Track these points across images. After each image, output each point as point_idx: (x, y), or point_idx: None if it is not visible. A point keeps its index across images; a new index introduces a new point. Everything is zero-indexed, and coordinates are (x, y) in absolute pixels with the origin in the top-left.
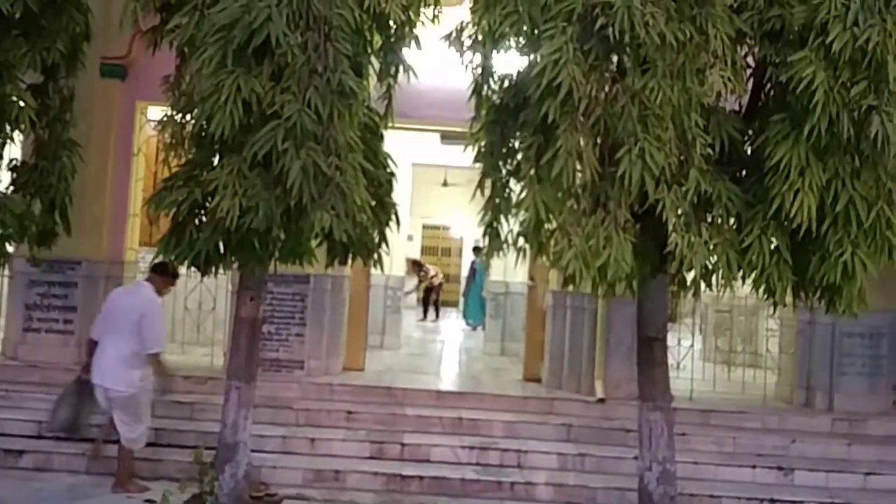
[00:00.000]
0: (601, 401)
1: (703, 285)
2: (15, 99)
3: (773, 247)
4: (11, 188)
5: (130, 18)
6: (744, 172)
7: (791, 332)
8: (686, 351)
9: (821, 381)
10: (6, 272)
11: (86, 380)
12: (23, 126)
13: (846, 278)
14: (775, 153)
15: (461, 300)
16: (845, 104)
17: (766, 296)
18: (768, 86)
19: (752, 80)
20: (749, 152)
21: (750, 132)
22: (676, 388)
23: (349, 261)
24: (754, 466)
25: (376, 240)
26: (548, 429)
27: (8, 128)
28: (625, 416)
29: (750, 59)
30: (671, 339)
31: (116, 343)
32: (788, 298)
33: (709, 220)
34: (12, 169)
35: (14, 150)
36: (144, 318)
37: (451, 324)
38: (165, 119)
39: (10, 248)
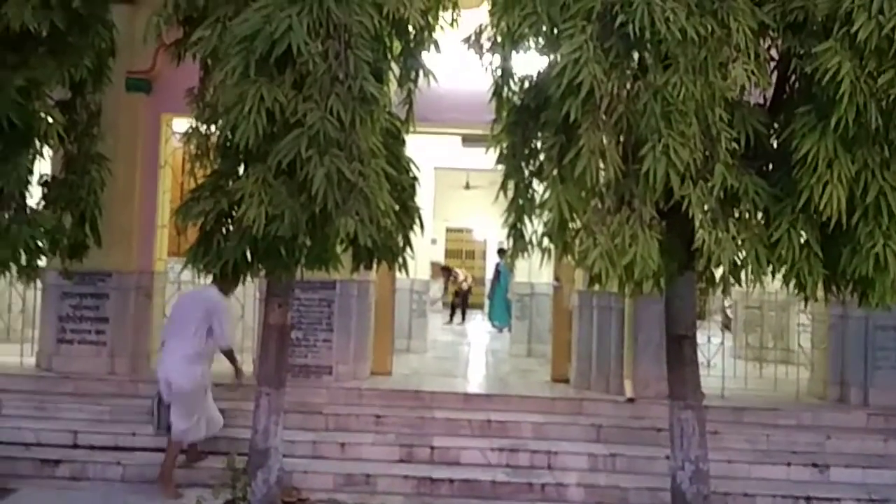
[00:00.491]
0: (631, 400)
1: (732, 281)
2: (43, 115)
3: (802, 241)
4: (42, 203)
5: (154, 32)
6: (770, 166)
7: (823, 326)
8: (716, 348)
9: (855, 375)
10: (39, 285)
11: None
12: (52, 141)
13: (878, 270)
14: (802, 146)
15: (486, 302)
16: (872, 94)
17: (796, 290)
18: (793, 78)
19: (776, 72)
20: (775, 145)
21: (775, 125)
22: (707, 385)
23: (374, 266)
24: (789, 464)
25: (401, 244)
26: (577, 429)
27: (37, 143)
28: (655, 415)
29: (773, 52)
30: (700, 337)
31: (182, 341)
32: (820, 293)
33: (736, 215)
34: (43, 184)
35: (44, 166)
36: (213, 315)
37: (477, 326)
38: (190, 130)
39: (41, 262)
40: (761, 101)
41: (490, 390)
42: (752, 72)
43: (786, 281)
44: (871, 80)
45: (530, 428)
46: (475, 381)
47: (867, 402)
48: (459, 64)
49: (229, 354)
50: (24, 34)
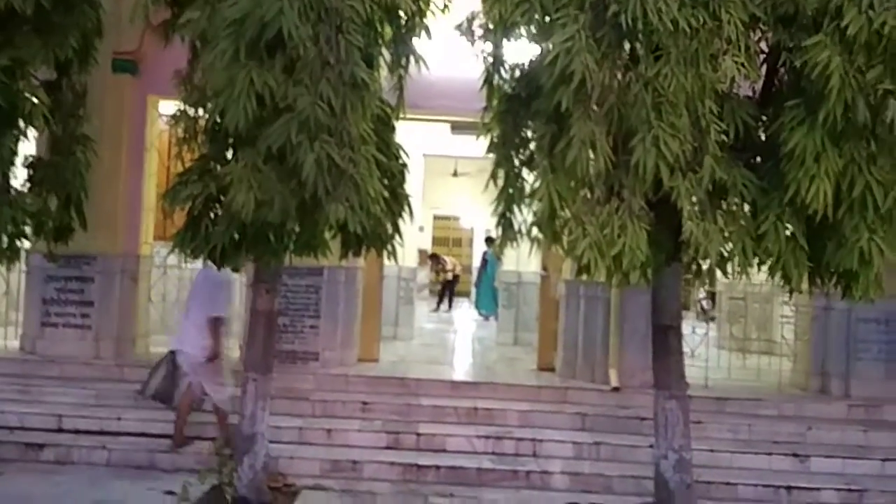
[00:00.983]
0: (616, 389)
1: (718, 273)
2: (28, 95)
3: (788, 233)
4: (27, 185)
5: (142, 13)
6: (759, 159)
7: (806, 318)
8: (700, 339)
9: (837, 367)
10: (23, 267)
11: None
12: (36, 122)
13: (863, 264)
14: (790, 139)
15: (473, 290)
16: (861, 89)
17: (782, 283)
18: (782, 71)
19: (765, 65)
20: (764, 138)
21: (764, 118)
22: (691, 375)
23: (363, 252)
24: (770, 454)
25: (390, 231)
26: (562, 418)
27: (21, 124)
28: (640, 404)
29: (763, 45)
30: (685, 327)
31: (194, 314)
32: (804, 285)
33: (724, 207)
34: (28, 166)
35: (27, 147)
36: (213, 286)
37: (464, 314)
38: (178, 113)
39: (25, 245)
40: (751, 93)
41: (476, 378)
42: (743, 64)
43: (771, 273)
44: (860, 75)
45: (516, 416)
46: (462, 369)
47: (848, 393)
48: (450, 50)
49: (213, 324)
50: (8, 13)
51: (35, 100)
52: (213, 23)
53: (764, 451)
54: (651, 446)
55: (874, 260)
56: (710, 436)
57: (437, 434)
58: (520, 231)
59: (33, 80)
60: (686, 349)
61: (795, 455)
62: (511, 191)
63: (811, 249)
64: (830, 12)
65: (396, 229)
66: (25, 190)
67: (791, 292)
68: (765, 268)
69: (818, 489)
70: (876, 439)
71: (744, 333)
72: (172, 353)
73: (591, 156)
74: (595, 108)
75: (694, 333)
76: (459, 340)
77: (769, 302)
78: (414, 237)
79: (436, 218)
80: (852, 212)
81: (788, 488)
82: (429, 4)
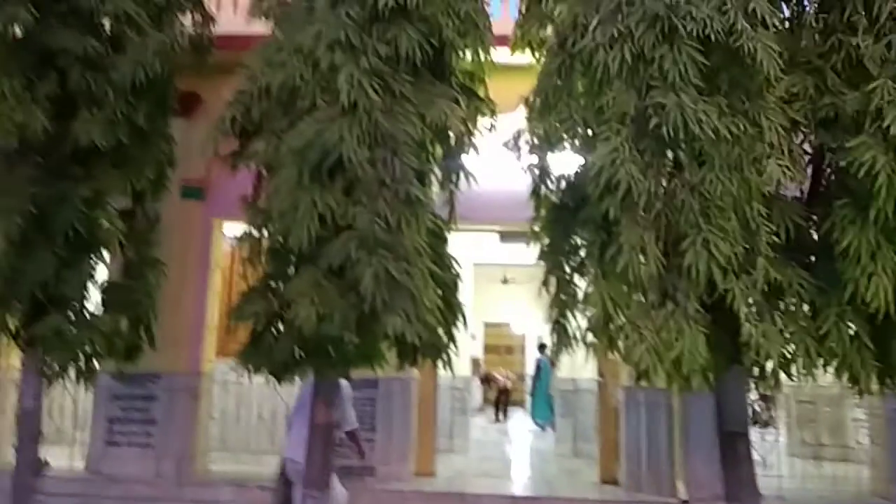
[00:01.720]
0: (685, 503)
1: (782, 375)
2: (105, 223)
3: (852, 332)
4: (101, 307)
5: (212, 144)
6: (813, 258)
7: (880, 421)
8: (770, 446)
9: None
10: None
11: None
12: (112, 248)
13: None
14: (843, 238)
15: (527, 399)
16: None
17: (849, 384)
18: (828, 171)
19: (810, 166)
20: (816, 238)
21: (815, 217)
22: (763, 486)
23: (419, 363)
24: None
25: (445, 340)
26: None
27: (99, 250)
28: None
29: (807, 146)
30: (753, 434)
31: (304, 422)
32: (874, 385)
33: (781, 307)
34: (103, 290)
35: (100, 269)
36: (345, 400)
37: (519, 424)
38: (243, 235)
39: (96, 365)
40: (798, 193)
41: (537, 493)
42: (787, 167)
43: (838, 374)
44: None
45: None
46: (520, 483)
47: None
48: (498, 164)
49: (352, 435)
50: (90, 148)
51: (111, 227)
52: (279, 151)
53: None
54: None
55: None
56: None
57: None
58: (574, 337)
59: (111, 208)
60: (756, 457)
61: None
62: (563, 297)
63: (877, 348)
64: (871, 114)
65: (452, 338)
66: (100, 312)
67: (861, 393)
68: (831, 369)
69: None
70: None
71: (815, 439)
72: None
73: (642, 260)
74: (642, 214)
75: (764, 441)
76: (516, 452)
77: (839, 405)
78: (466, 345)
79: (487, 325)
80: None
81: None
82: (476, 125)
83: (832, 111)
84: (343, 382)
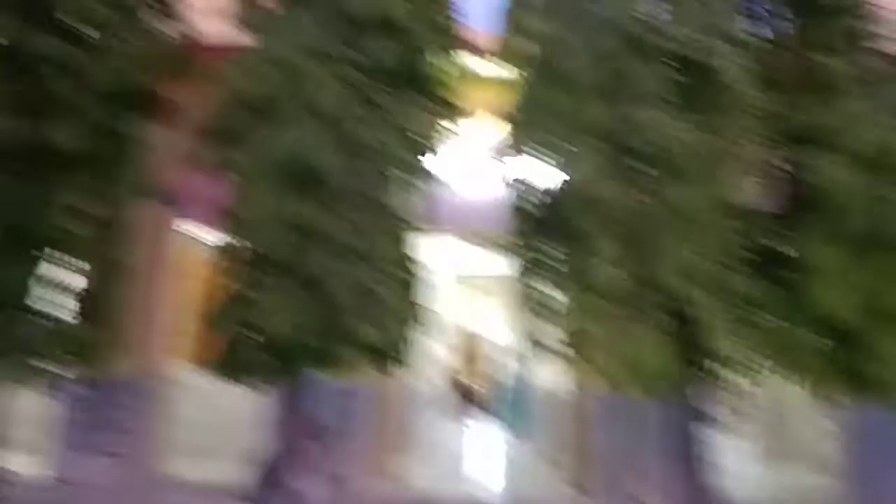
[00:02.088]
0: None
1: (749, 384)
2: (75, 230)
3: (816, 345)
4: (70, 313)
5: (189, 151)
6: (781, 272)
7: (847, 432)
8: (737, 453)
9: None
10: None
11: None
12: (82, 254)
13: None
14: (812, 253)
15: (502, 407)
16: (880, 204)
17: (817, 394)
18: (800, 188)
19: (784, 183)
20: (786, 253)
21: (786, 232)
22: (727, 492)
23: (389, 369)
24: None
25: (414, 347)
26: None
27: (68, 256)
28: None
29: (781, 162)
30: (719, 441)
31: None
32: (841, 396)
33: (749, 319)
34: (73, 295)
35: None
36: None
37: (492, 431)
38: (219, 243)
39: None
40: (773, 209)
41: (507, 499)
42: (760, 183)
43: (804, 385)
44: (878, 191)
45: None
46: (490, 489)
47: None
48: (474, 172)
49: (321, 438)
50: (61, 153)
51: (81, 232)
52: (255, 160)
53: None
54: None
55: None
56: None
57: None
58: (548, 347)
59: (82, 214)
60: (721, 464)
61: None
62: (538, 308)
63: (843, 360)
64: (841, 131)
65: (420, 346)
66: (69, 318)
67: (828, 404)
68: (796, 379)
69: None
70: None
71: (781, 448)
72: None
73: (616, 274)
74: (617, 228)
75: (730, 448)
76: (487, 459)
77: (807, 415)
78: (438, 353)
79: (462, 334)
80: (881, 322)
81: None
82: (452, 132)
83: (804, 128)
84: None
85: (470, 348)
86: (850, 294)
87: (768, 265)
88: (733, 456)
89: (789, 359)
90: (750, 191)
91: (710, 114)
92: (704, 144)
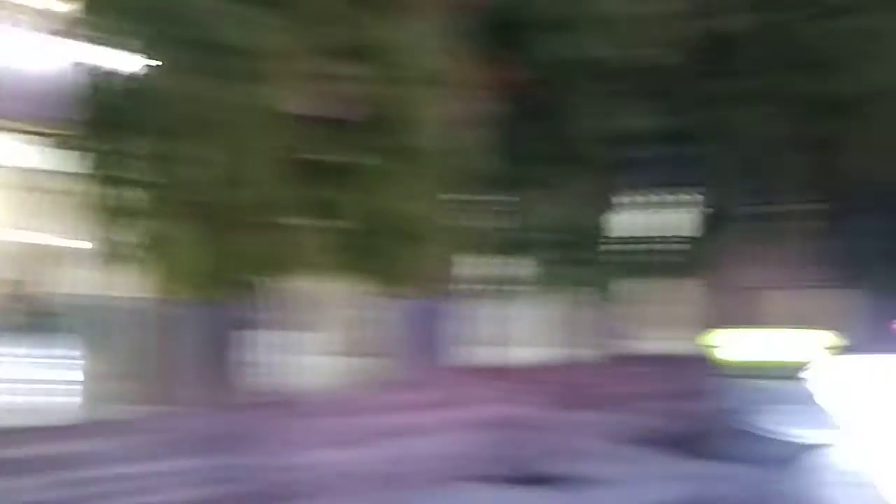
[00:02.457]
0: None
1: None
2: None
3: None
4: None
5: None
6: (336, 178)
7: (393, 318)
8: (287, 346)
9: None
10: None
11: None
12: None
13: None
14: (365, 162)
15: (47, 320)
16: None
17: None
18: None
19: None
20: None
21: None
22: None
23: None
24: None
25: None
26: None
27: None
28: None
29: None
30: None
31: None
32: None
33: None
34: None
35: None
36: None
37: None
38: None
39: None
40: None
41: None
42: (318, 92)
43: (348, 280)
44: None
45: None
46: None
47: None
48: (29, 55)
49: None
50: None
51: None
52: None
53: None
54: None
55: None
56: None
57: None
58: (116, 252)
59: None
60: (260, 358)
61: None
62: (111, 209)
63: (382, 259)
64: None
65: None
66: None
67: (372, 295)
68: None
69: None
70: None
71: (334, 337)
72: None
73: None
74: (202, 125)
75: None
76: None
77: (356, 306)
78: None
79: (15, 240)
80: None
81: None
82: None
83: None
84: None
85: (28, 254)
86: (400, 202)
87: (318, 172)
88: (298, 349)
89: (331, 257)
90: (295, 97)
91: (291, 13)
92: (262, 41)
